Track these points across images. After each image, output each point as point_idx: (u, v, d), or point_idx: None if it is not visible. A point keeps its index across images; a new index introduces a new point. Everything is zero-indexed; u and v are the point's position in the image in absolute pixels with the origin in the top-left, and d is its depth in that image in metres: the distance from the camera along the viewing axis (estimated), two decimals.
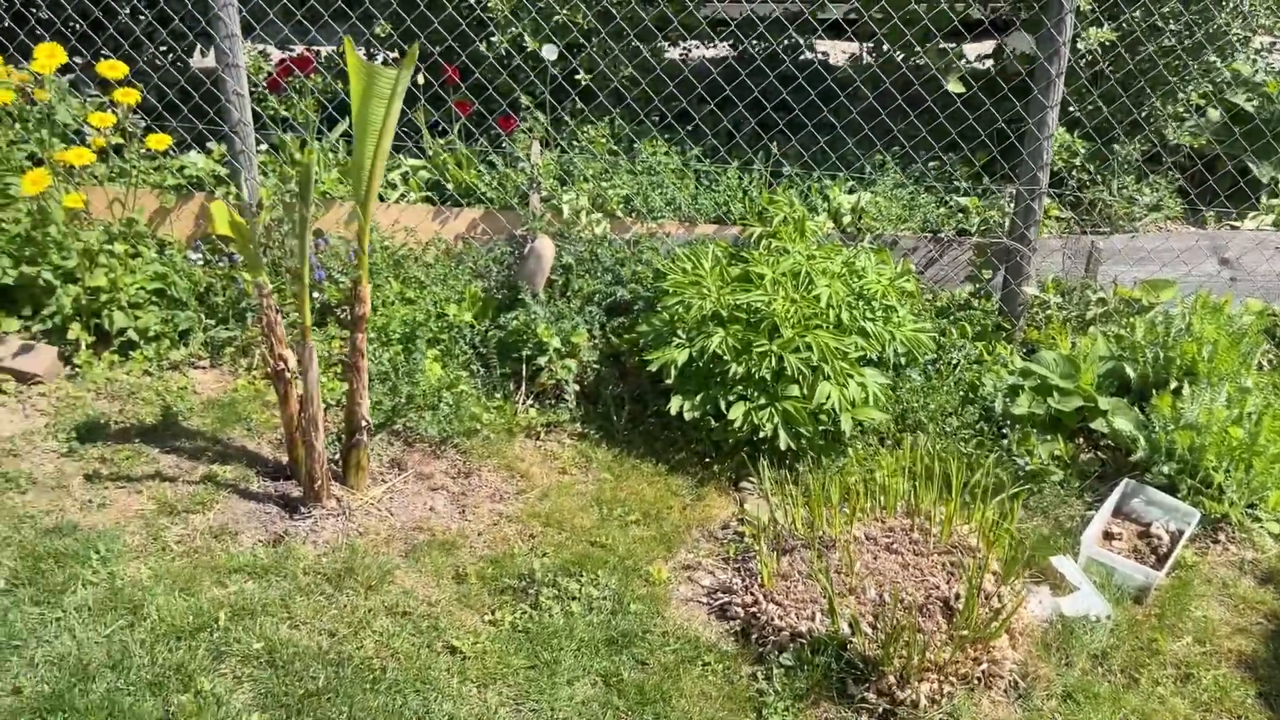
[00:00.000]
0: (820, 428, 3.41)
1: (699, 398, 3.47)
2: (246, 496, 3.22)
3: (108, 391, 3.69)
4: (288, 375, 3.14)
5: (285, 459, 3.44)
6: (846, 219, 4.36)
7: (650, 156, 4.50)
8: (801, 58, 5.23)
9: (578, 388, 3.76)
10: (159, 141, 3.72)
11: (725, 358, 3.39)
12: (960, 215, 4.37)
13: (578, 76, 4.59)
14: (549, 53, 4.39)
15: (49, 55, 3.57)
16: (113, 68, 3.54)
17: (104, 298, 3.84)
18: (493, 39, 4.48)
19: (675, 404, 3.47)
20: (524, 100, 4.56)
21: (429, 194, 4.54)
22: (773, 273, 3.54)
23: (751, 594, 2.90)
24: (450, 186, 4.49)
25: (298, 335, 3.06)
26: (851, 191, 4.49)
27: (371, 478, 3.33)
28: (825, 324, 3.45)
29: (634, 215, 4.37)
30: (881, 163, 4.54)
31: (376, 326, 3.86)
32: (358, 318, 3.07)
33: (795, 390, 3.41)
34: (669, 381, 3.48)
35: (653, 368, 3.49)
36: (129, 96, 3.57)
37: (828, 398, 3.35)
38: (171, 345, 3.90)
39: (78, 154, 3.41)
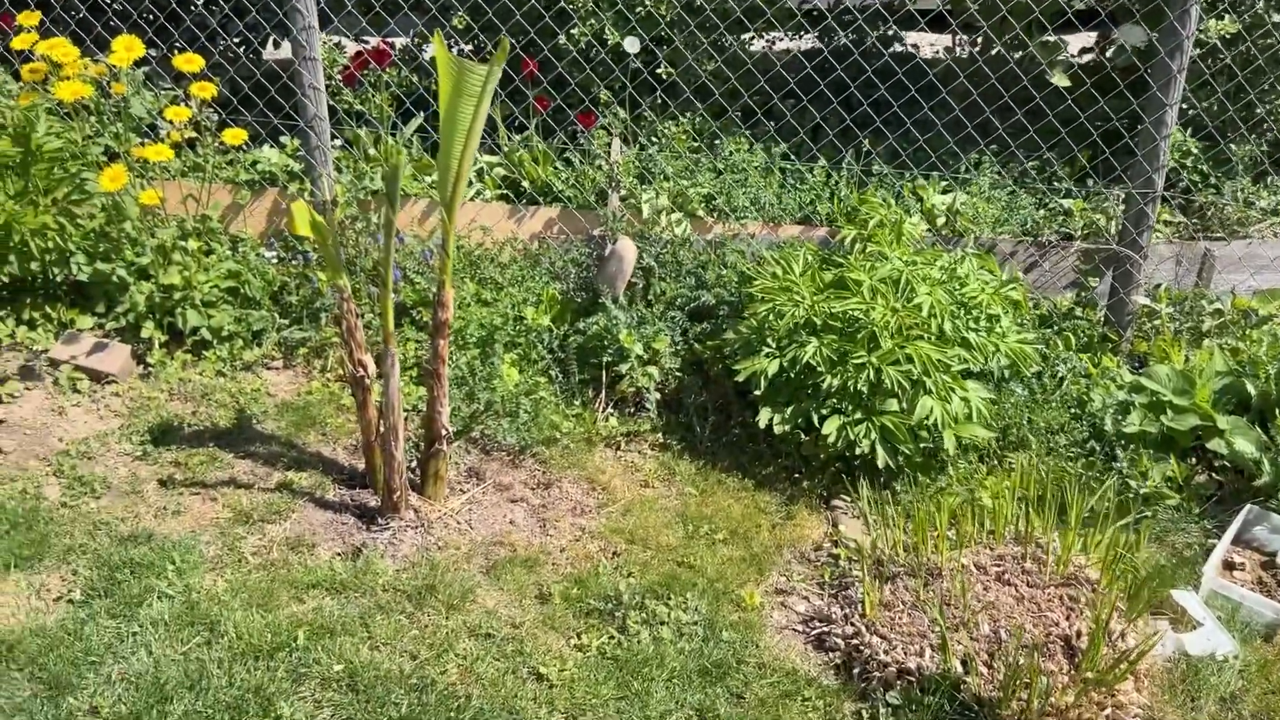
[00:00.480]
0: (920, 445, 3.21)
1: (789, 410, 3.30)
2: (323, 505, 3.12)
3: (181, 392, 3.62)
4: (367, 381, 3.03)
5: (361, 466, 3.34)
6: (941, 220, 4.15)
7: (734, 154, 4.32)
8: (894, 50, 5.01)
9: (658, 396, 3.61)
10: (235, 136, 3.63)
11: (819, 369, 3.22)
12: (1063, 218, 4.14)
13: (660, 70, 4.43)
14: (631, 45, 4.24)
15: (126, 48, 3.50)
16: (188, 61, 3.46)
17: (177, 296, 3.77)
18: (574, 31, 4.34)
19: (764, 417, 3.30)
20: (603, 95, 4.41)
21: (504, 192, 4.41)
22: (870, 279, 3.35)
23: (853, 624, 2.72)
24: (526, 184, 4.36)
25: (375, 339, 2.94)
26: (946, 191, 4.28)
27: (449, 487, 3.21)
28: (926, 334, 3.26)
29: (716, 215, 4.21)
30: (978, 161, 4.32)
31: (453, 329, 3.74)
32: (440, 323, 2.95)
33: (894, 405, 3.22)
34: (757, 393, 3.32)
35: (741, 378, 3.32)
36: (205, 91, 3.48)
37: (930, 413, 3.16)
38: (245, 345, 3.82)
39: (156, 150, 3.33)
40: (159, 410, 3.50)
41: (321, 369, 3.78)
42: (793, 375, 3.28)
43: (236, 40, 5.01)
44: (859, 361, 3.16)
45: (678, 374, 3.64)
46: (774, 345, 3.35)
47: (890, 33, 5.02)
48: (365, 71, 4.30)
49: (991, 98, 4.19)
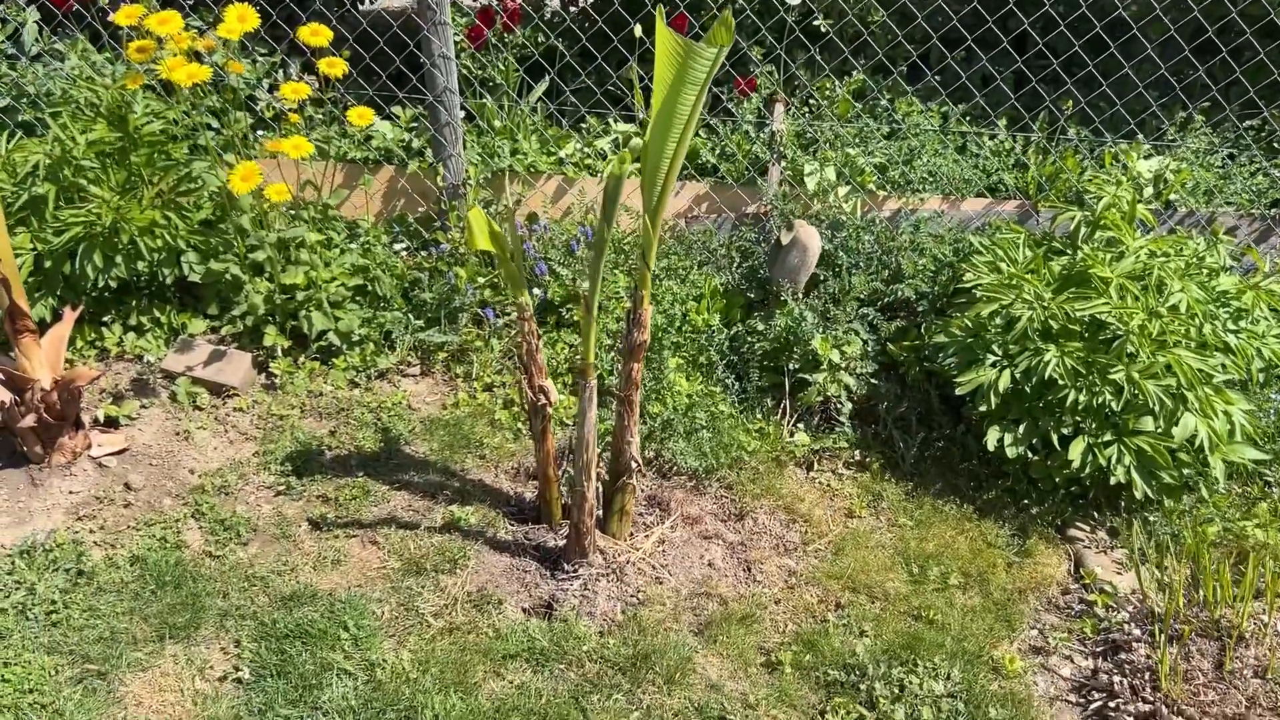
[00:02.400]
0: (1182, 471, 2.78)
1: (1022, 430, 2.86)
2: (498, 548, 2.74)
3: (314, 408, 3.24)
4: (548, 410, 2.63)
5: (528, 494, 2.96)
6: (1148, 191, 3.65)
7: (907, 116, 3.83)
8: None
9: (850, 405, 3.18)
10: (362, 116, 3.18)
11: (1061, 383, 2.77)
12: None
13: (817, 23, 3.92)
14: None
15: (239, 18, 3.04)
16: (315, 33, 3.00)
17: (300, 296, 3.36)
18: None
19: (991, 437, 2.87)
20: (755, 53, 3.91)
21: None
22: (1114, 274, 2.88)
23: (1145, 699, 2.32)
24: None
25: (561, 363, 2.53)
26: (1148, 156, 3.77)
27: (632, 522, 2.83)
28: (1184, 340, 2.80)
29: (890, 188, 3.73)
30: (1185, 121, 3.79)
31: (605, 330, 3.32)
32: (635, 345, 2.52)
33: (1149, 423, 2.78)
34: (983, 409, 2.88)
35: (963, 390, 2.89)
36: (335, 68, 3.03)
37: (1195, 433, 2.71)
38: (377, 350, 3.42)
39: (295, 144, 2.89)
40: (293, 431, 3.12)
41: (465, 377, 3.38)
42: (1027, 389, 2.84)
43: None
44: (1115, 375, 2.71)
45: (870, 380, 3.20)
46: (999, 352, 2.90)
47: None
48: (493, 29, 3.82)
49: (1199, 46, 3.64)
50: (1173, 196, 3.62)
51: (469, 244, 2.40)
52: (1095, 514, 2.96)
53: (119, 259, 3.29)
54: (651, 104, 2.23)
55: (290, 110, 3.31)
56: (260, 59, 3.90)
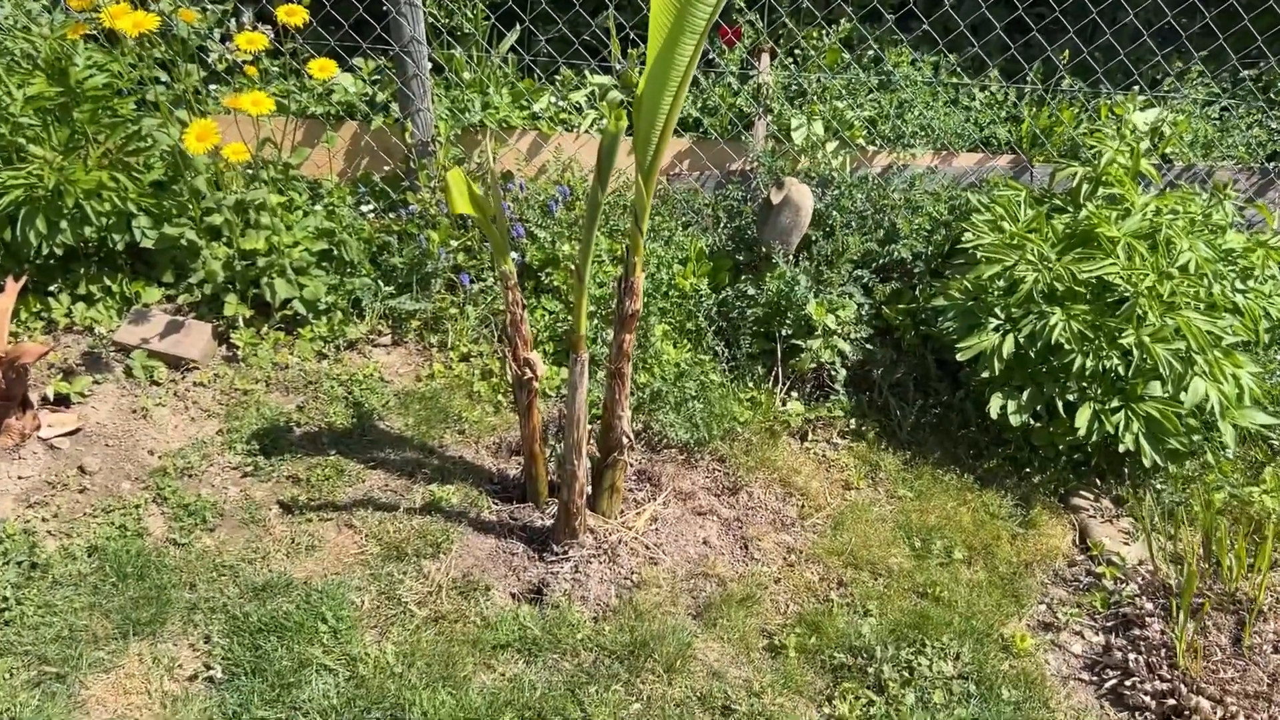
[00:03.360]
0: (1192, 437, 2.69)
1: (1026, 397, 2.76)
2: (482, 529, 2.59)
3: (280, 381, 3.05)
4: (534, 385, 2.48)
5: (511, 470, 2.82)
6: (1145, 144, 3.53)
7: (898, 67, 3.67)
8: None
9: (845, 372, 3.06)
10: (324, 68, 2.96)
11: (1068, 347, 2.66)
12: None
13: None
14: None
15: None
16: None
17: (262, 263, 3.16)
18: None
19: (994, 405, 2.77)
20: (738, 1, 3.72)
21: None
22: (1121, 233, 2.77)
23: (1161, 677, 2.24)
24: None
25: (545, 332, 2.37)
26: (1144, 108, 3.65)
27: (623, 499, 2.69)
28: (1192, 301, 2.70)
29: (880, 143, 3.58)
30: (1182, 71, 3.67)
31: (597, 299, 3.16)
32: (627, 316, 2.36)
33: (1156, 388, 2.69)
34: (984, 375, 2.77)
35: (964, 356, 2.77)
36: (295, 15, 2.80)
37: (1205, 398, 2.62)
38: (345, 319, 3.24)
39: (254, 99, 2.67)
40: (259, 407, 2.94)
41: (441, 346, 3.21)
42: (1031, 354, 2.73)
43: None
44: (1126, 340, 2.60)
45: (865, 345, 3.08)
46: (1002, 316, 2.79)
47: None
48: None
49: None
50: (1169, 150, 3.51)
51: (449, 208, 2.22)
52: (1098, 481, 2.87)
53: (64, 224, 3.06)
54: (647, 54, 2.05)
55: (246, 63, 3.09)
56: (211, 6, 3.65)
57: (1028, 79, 3.64)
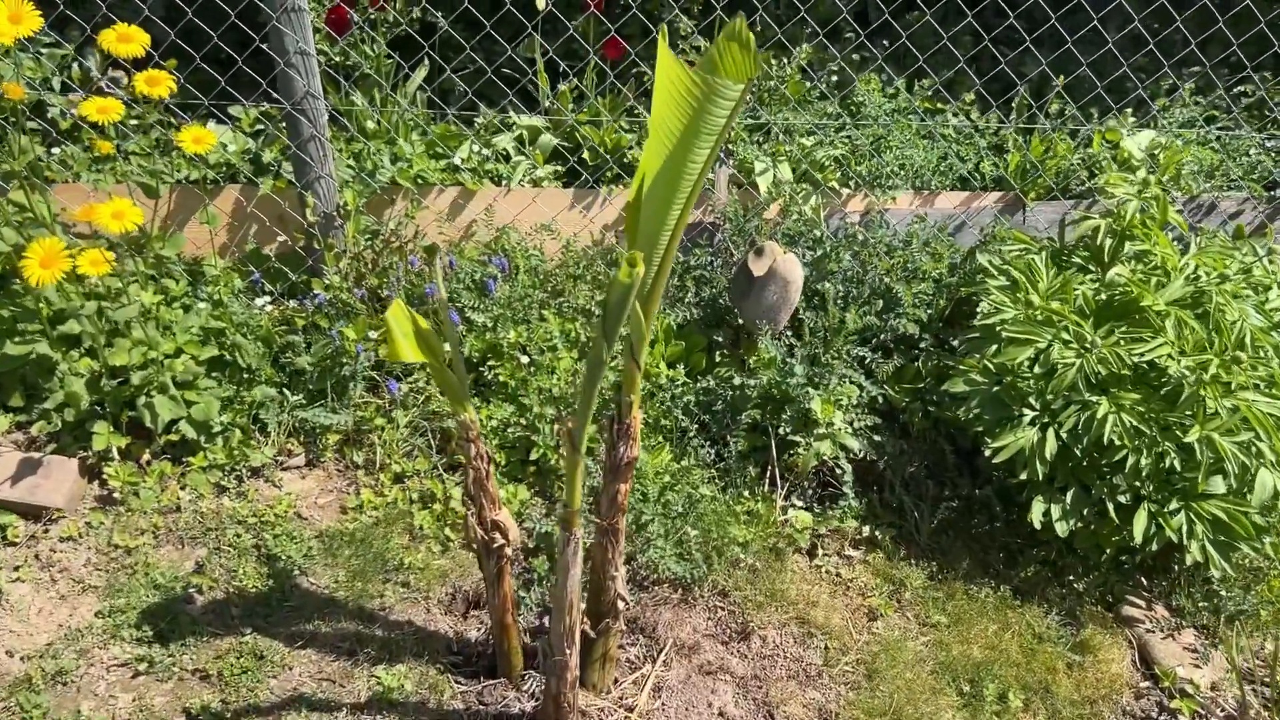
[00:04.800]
0: (1264, 539, 2.35)
1: (1070, 499, 2.38)
2: None
3: (171, 530, 2.47)
4: (506, 551, 1.98)
5: (471, 633, 2.31)
6: (1141, 174, 3.20)
7: (868, 96, 3.24)
8: None
9: (851, 469, 2.64)
10: (199, 139, 2.36)
11: (1119, 444, 2.29)
12: None
13: None
14: None
15: (10, 19, 2.17)
16: (124, 37, 2.16)
17: (137, 378, 2.56)
18: None
19: (1037, 511, 2.38)
20: (683, 25, 3.23)
21: (555, 167, 3.24)
22: (1165, 303, 2.40)
23: None
24: (588, 156, 3.20)
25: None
26: (1133, 133, 3.31)
27: (615, 663, 2.22)
28: (1249, 378, 2.36)
29: (855, 184, 3.16)
30: (1171, 89, 3.35)
31: (542, 392, 2.65)
32: (621, 464, 1.88)
33: (1218, 483, 2.34)
34: (1023, 476, 2.38)
35: (1001, 457, 2.37)
36: (158, 86, 2.19)
37: (1274, 495, 2.29)
38: (246, 440, 2.65)
39: (115, 212, 2.05)
40: (147, 570, 2.36)
41: (367, 466, 2.67)
42: (1076, 450, 2.35)
43: None
44: (1191, 436, 2.23)
45: (872, 435, 2.67)
46: (1037, 405, 2.40)
47: None
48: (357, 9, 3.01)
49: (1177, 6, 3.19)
50: (1165, 178, 3.18)
51: (390, 356, 1.70)
52: (1144, 581, 2.53)
53: None
54: (647, 154, 1.56)
55: (98, 138, 2.46)
56: (45, 51, 2.98)
57: (1012, 104, 3.26)
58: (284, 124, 2.75)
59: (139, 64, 2.24)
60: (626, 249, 1.59)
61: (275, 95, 2.69)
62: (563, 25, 3.08)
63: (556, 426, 2.62)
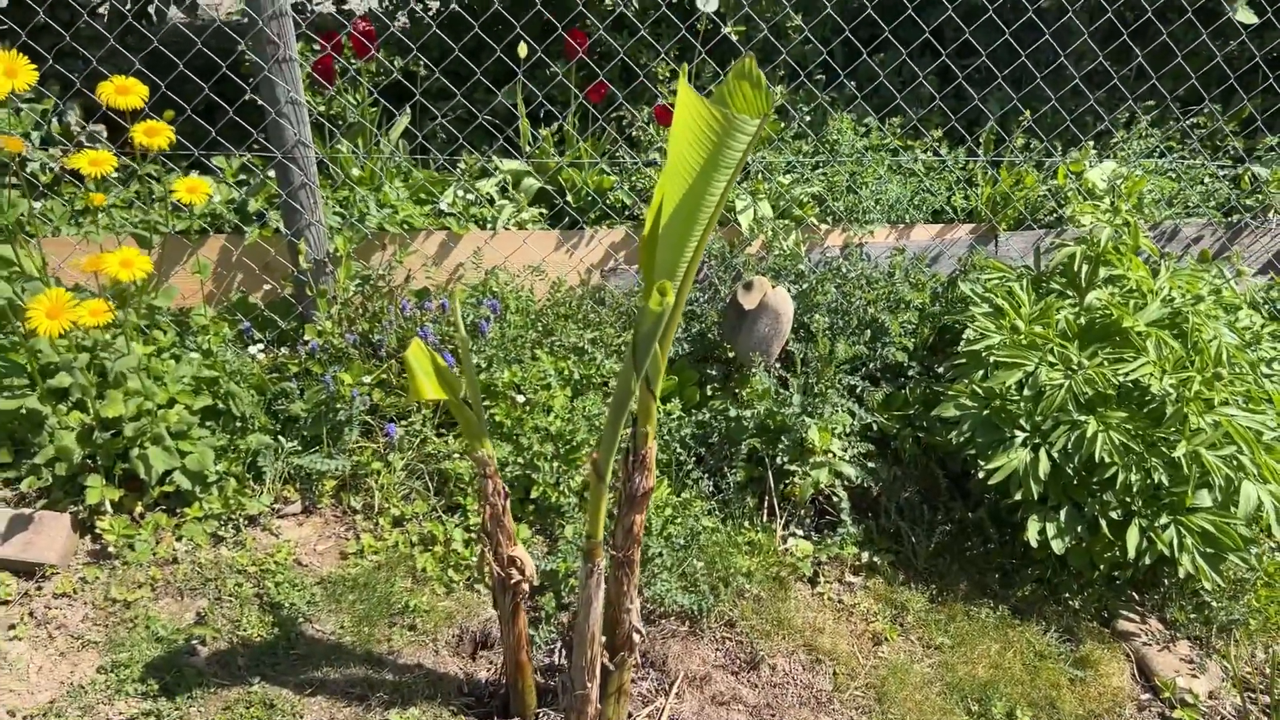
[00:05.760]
0: (1250, 549, 2.43)
1: (1064, 517, 2.45)
2: None
3: (170, 582, 2.44)
4: (523, 587, 1.98)
5: (480, 674, 2.30)
6: (1105, 203, 3.32)
7: (838, 134, 3.34)
8: None
9: (848, 497, 2.68)
10: (193, 189, 2.36)
11: (1109, 461, 2.36)
12: (1250, 190, 3.39)
13: (725, 31, 3.35)
14: (705, 1, 3.14)
15: (6, 71, 2.17)
16: (123, 90, 2.17)
17: (129, 430, 2.53)
18: None
19: (1033, 530, 2.44)
20: (660, 70, 3.31)
21: (539, 210, 3.29)
22: (1144, 325, 2.50)
23: None
24: (570, 198, 3.25)
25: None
26: (1093, 165, 3.44)
27: (629, 697, 2.22)
28: (1228, 395, 2.45)
29: (831, 220, 3.25)
30: (1128, 120, 3.49)
31: (539, 430, 2.67)
32: (637, 494, 1.90)
33: (1205, 497, 2.42)
34: (1017, 497, 2.44)
35: (996, 479, 2.43)
36: (157, 137, 2.20)
37: (1258, 506, 2.37)
38: (241, 489, 2.64)
39: (124, 260, 2.05)
40: (148, 624, 2.32)
41: (365, 511, 2.66)
42: (1068, 470, 2.42)
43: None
44: (1178, 451, 2.31)
45: (865, 462, 2.72)
46: (1027, 427, 2.47)
47: None
48: (343, 56, 3.05)
49: (1132, 35, 3.34)
50: (1128, 206, 3.31)
51: (412, 395, 1.72)
52: (1136, 595, 2.60)
53: None
54: (664, 188, 1.61)
55: (88, 190, 2.46)
56: (25, 105, 2.97)
57: (979, 139, 3.37)
58: (270, 173, 2.77)
59: (132, 115, 2.25)
60: (642, 281, 1.63)
61: (265, 144, 2.71)
62: (542, 73, 3.14)
63: (556, 464, 2.64)
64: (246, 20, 2.56)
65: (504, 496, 1.92)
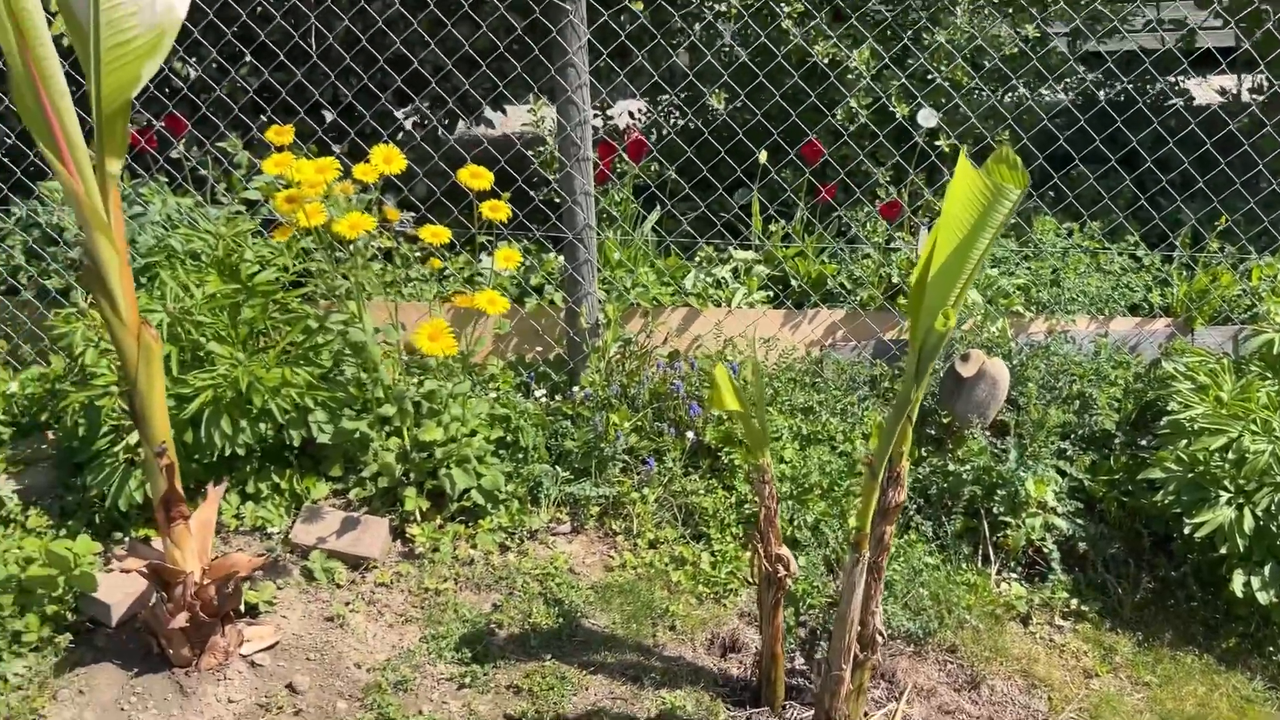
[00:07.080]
0: None
1: (1268, 571, 2.66)
2: None
3: (468, 578, 2.92)
4: (786, 583, 2.37)
5: (732, 670, 2.67)
6: None
7: (1041, 236, 3.72)
8: (1168, 102, 4.44)
9: (1058, 549, 2.96)
10: (508, 259, 2.94)
11: None
12: None
13: (939, 143, 3.82)
14: (927, 119, 3.62)
15: (385, 159, 2.82)
16: (475, 175, 2.78)
17: (439, 453, 3.07)
18: (852, 103, 3.71)
19: (1238, 583, 2.67)
20: (883, 176, 3.79)
21: (770, 292, 3.77)
22: None
23: None
24: (795, 284, 3.72)
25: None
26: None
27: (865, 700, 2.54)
28: None
29: (1036, 310, 3.59)
30: None
31: (789, 479, 3.08)
32: (890, 507, 2.27)
33: None
34: (1223, 551, 2.68)
35: (1201, 533, 2.68)
36: (498, 212, 2.80)
37: None
38: (523, 509, 3.13)
39: (490, 299, 2.64)
40: (455, 608, 2.80)
41: (626, 534, 3.10)
42: (1272, 528, 2.65)
43: (421, 118, 4.32)
44: None
45: (1075, 520, 2.99)
46: (1232, 489, 2.72)
47: (1176, 80, 4.43)
48: (613, 159, 3.65)
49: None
50: None
51: (713, 404, 2.17)
52: None
53: (244, 423, 2.97)
54: (936, 245, 2.04)
55: (429, 254, 3.08)
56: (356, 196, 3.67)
57: (1174, 244, 3.68)
58: (536, 249, 3.35)
59: (481, 195, 2.86)
60: (910, 324, 2.06)
61: (559, 225, 3.30)
62: (776, 181, 3.67)
63: (791, 502, 3.03)
64: (531, 133, 3.19)
65: (775, 500, 2.33)
